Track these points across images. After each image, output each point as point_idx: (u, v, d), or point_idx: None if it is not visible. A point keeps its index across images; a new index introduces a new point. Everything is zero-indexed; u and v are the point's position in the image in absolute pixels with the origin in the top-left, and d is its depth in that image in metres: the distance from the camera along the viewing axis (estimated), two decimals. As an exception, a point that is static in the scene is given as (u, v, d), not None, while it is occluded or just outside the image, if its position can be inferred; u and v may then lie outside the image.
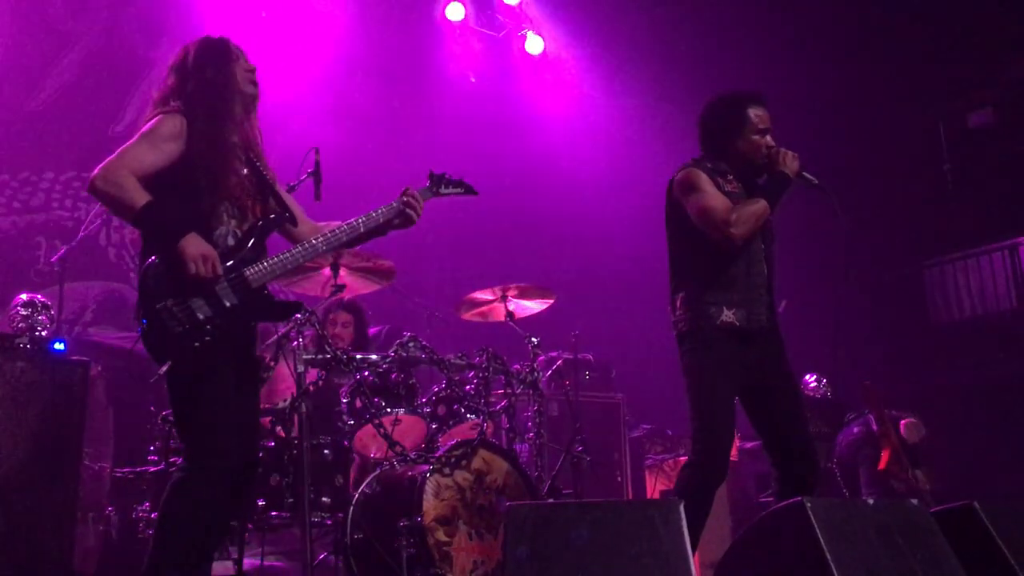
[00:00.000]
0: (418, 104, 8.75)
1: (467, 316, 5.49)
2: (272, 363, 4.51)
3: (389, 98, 8.58)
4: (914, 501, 3.01)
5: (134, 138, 3.05)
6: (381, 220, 3.36)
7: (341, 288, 4.75)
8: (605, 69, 9.08)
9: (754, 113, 3.64)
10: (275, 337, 4.48)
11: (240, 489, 3.11)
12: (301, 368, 4.30)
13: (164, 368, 2.91)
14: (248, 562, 4.19)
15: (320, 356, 4.55)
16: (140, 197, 2.93)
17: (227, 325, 3.00)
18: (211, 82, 3.15)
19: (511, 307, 5.35)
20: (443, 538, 4.10)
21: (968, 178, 8.68)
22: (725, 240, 3.47)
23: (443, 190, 3.61)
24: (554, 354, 6.40)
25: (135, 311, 3.00)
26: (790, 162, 3.56)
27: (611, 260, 8.79)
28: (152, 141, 3.02)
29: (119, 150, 3.01)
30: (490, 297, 5.35)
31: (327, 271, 4.76)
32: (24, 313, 4.64)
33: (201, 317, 2.95)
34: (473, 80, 9.03)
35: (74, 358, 4.30)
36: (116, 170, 2.95)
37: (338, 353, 4.57)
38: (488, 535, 4.22)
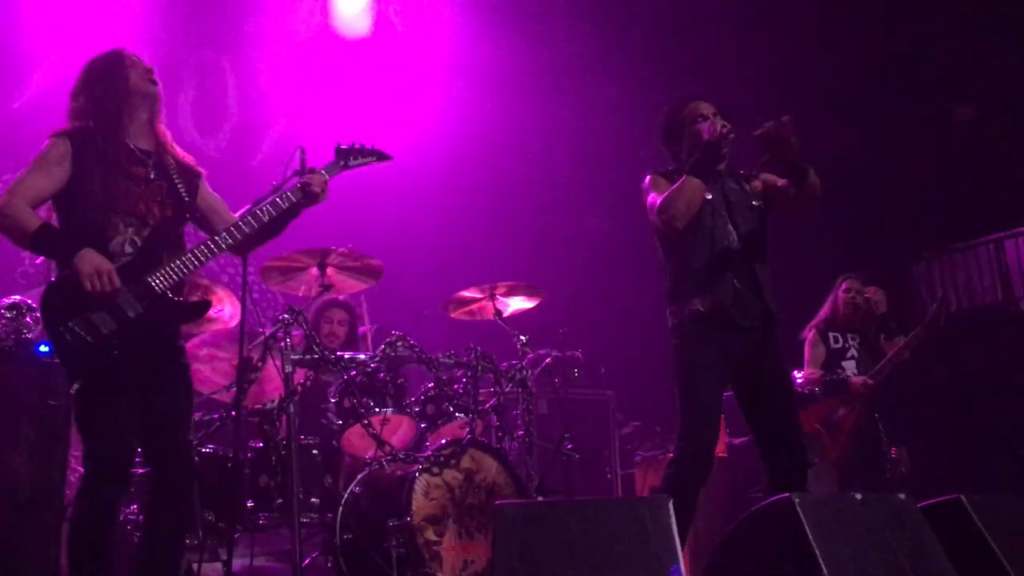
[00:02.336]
0: (404, 101, 8.73)
1: (455, 315, 5.48)
2: (260, 363, 4.49)
3: (374, 96, 8.55)
4: (902, 496, 3.02)
5: (27, 167, 3.16)
6: (285, 206, 3.38)
7: (329, 287, 4.74)
8: (588, 63, 9.08)
9: (689, 108, 3.75)
10: (263, 337, 4.47)
11: (175, 491, 3.20)
12: (289, 368, 4.28)
13: (75, 387, 2.98)
14: (237, 563, 4.18)
15: (308, 356, 4.53)
16: (32, 223, 3.06)
17: (134, 336, 3.06)
18: (102, 98, 3.25)
19: (499, 305, 5.34)
20: (433, 537, 4.09)
21: (953, 173, 8.71)
22: (664, 227, 3.56)
23: (352, 162, 3.60)
24: (543, 352, 6.40)
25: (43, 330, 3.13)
26: (714, 126, 3.62)
27: (599, 258, 8.80)
28: (42, 167, 3.15)
29: (13, 181, 3.13)
30: (478, 295, 5.34)
31: (314, 270, 4.75)
32: (9, 316, 4.60)
33: (105, 332, 3.01)
34: None
35: (59, 360, 4.27)
36: (8, 201, 3.08)
37: (326, 353, 4.56)
38: (478, 534, 4.22)
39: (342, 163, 3.58)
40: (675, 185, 3.54)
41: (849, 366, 5.62)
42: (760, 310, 3.63)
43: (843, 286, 5.95)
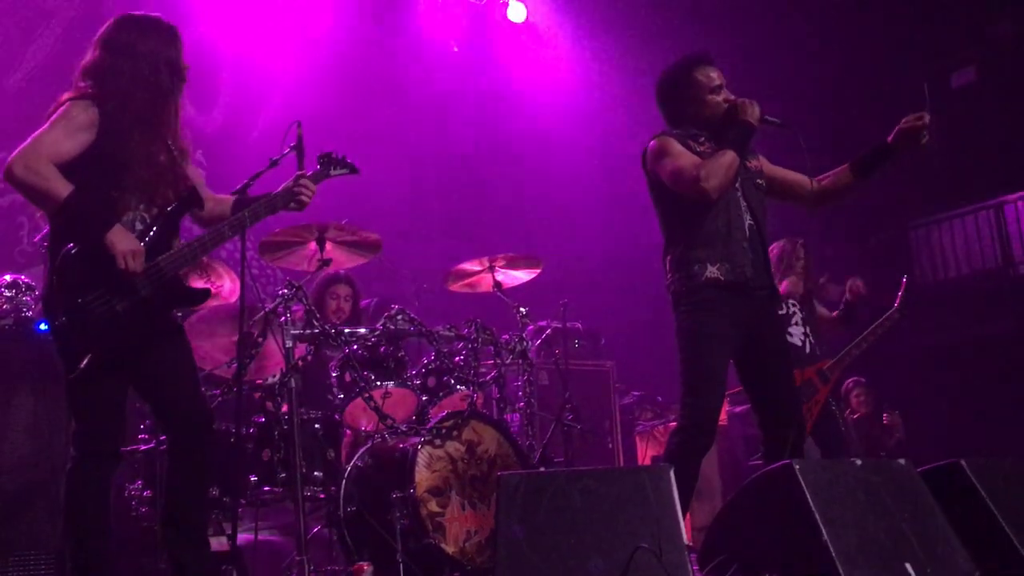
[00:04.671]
0: (402, 74, 8.68)
1: (455, 287, 5.47)
2: (260, 339, 4.49)
3: (372, 68, 8.50)
4: (901, 461, 3.04)
5: (47, 124, 3.04)
6: (278, 204, 3.44)
7: (327, 263, 4.73)
8: (589, 36, 9.02)
9: (702, 75, 3.71)
10: (263, 312, 4.47)
11: (195, 451, 3.21)
12: (290, 343, 4.29)
13: (85, 362, 2.96)
14: (242, 537, 4.21)
15: (309, 331, 4.53)
16: (63, 187, 2.97)
17: (143, 315, 3.07)
18: (157, 66, 3.18)
19: (499, 277, 5.33)
20: (436, 509, 4.12)
21: (952, 138, 8.68)
22: (699, 195, 3.50)
23: (333, 171, 3.68)
24: (543, 323, 6.40)
25: (43, 298, 3.08)
26: (751, 110, 3.60)
27: (598, 228, 8.79)
28: (67, 129, 3.03)
29: (33, 136, 3.01)
30: (478, 268, 5.33)
31: (313, 245, 4.73)
32: (8, 294, 4.60)
33: (119, 310, 3.02)
34: (456, 49, 8.97)
35: (67, 332, 4.27)
36: (36, 158, 2.96)
37: (327, 327, 4.56)
38: (481, 505, 4.24)
39: (324, 171, 3.65)
40: (717, 158, 3.52)
41: (796, 332, 5.56)
42: (767, 281, 3.68)
43: None
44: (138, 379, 3.22)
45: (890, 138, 3.73)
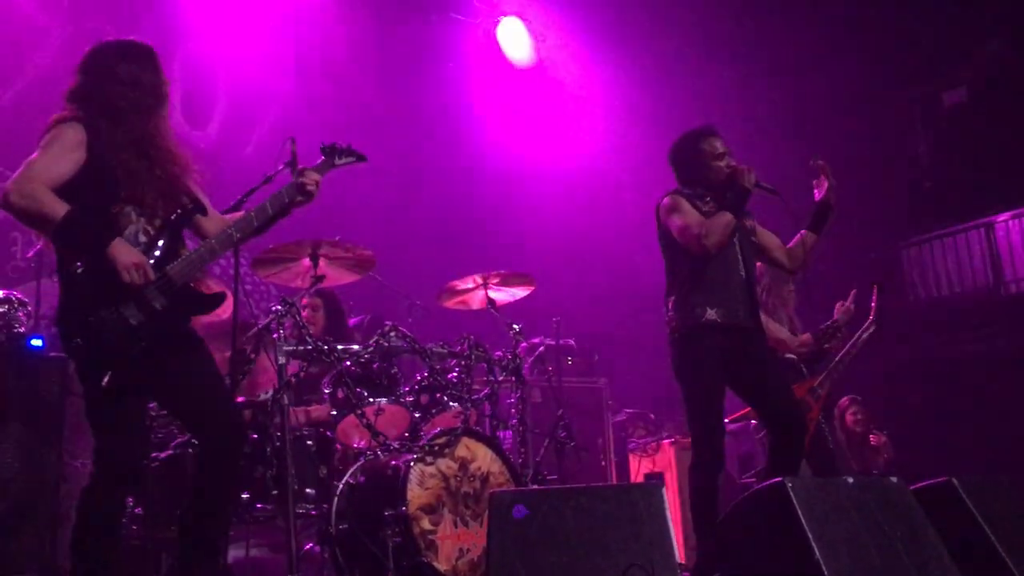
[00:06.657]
0: (396, 92, 8.71)
1: (448, 304, 5.48)
2: (253, 355, 4.49)
3: (367, 86, 8.54)
4: (893, 479, 3.05)
5: (38, 150, 3.07)
6: (286, 200, 3.40)
7: (321, 279, 4.73)
8: (585, 57, 9.07)
9: (707, 144, 4.18)
10: (256, 329, 4.46)
11: (229, 457, 3.18)
12: (282, 360, 4.28)
13: (106, 379, 2.94)
14: (233, 555, 4.19)
15: (301, 347, 4.53)
16: (59, 208, 2.98)
17: (159, 327, 3.05)
18: (137, 86, 3.23)
19: (492, 294, 5.34)
20: (428, 527, 4.11)
21: (944, 157, 8.75)
22: (701, 250, 4.00)
23: (338, 161, 3.62)
24: (536, 340, 6.40)
25: (58, 321, 3.05)
26: (747, 176, 4.05)
27: (592, 246, 8.81)
28: (59, 151, 3.06)
29: (26, 163, 3.04)
30: (471, 285, 5.33)
31: (306, 262, 4.74)
32: (1, 310, 4.60)
33: (135, 324, 3.00)
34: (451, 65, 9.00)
35: (52, 355, 4.27)
36: (29, 183, 2.98)
37: (319, 344, 4.55)
38: (473, 522, 4.23)
39: (329, 162, 3.60)
40: (717, 219, 4.00)
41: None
42: (756, 322, 4.13)
43: None
44: (162, 392, 3.21)
45: (820, 196, 4.33)
